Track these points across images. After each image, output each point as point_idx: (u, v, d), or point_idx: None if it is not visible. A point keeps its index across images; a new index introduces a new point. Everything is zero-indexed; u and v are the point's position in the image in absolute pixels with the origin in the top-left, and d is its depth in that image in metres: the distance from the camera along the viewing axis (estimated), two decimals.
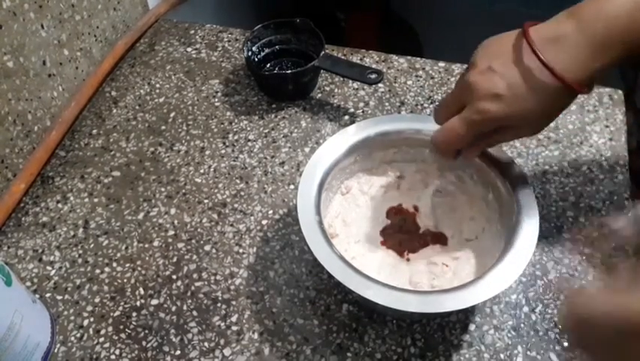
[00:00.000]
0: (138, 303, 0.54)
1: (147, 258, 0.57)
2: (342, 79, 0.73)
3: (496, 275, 0.43)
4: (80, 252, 0.58)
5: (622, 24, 0.39)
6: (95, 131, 0.70)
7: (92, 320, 0.53)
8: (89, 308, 0.54)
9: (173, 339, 0.51)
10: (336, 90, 0.73)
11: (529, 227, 0.46)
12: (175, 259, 0.57)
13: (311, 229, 0.47)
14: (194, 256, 0.57)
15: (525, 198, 0.48)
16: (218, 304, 0.54)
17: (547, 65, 0.40)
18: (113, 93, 0.75)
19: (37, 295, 0.55)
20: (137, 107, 0.73)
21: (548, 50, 0.40)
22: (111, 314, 0.53)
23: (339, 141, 0.54)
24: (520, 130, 0.45)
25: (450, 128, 0.45)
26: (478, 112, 0.43)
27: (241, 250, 0.57)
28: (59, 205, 0.62)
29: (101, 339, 0.52)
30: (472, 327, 0.51)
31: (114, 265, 0.57)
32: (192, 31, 0.83)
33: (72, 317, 0.53)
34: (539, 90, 0.41)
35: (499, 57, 0.42)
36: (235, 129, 0.69)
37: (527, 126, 0.44)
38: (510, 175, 0.50)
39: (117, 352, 0.51)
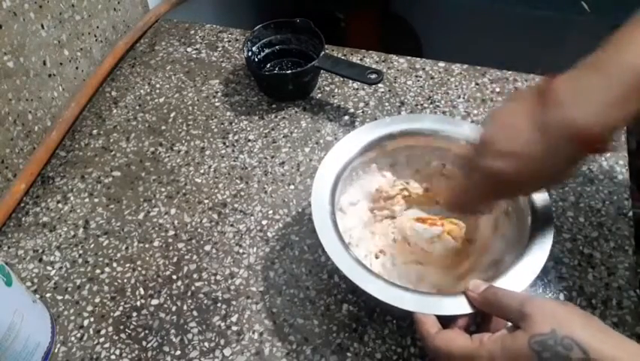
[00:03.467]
0: (138, 303, 0.54)
1: (147, 258, 0.57)
2: (342, 79, 0.73)
3: (501, 284, 0.43)
4: (80, 252, 0.58)
5: None
6: (95, 132, 0.70)
7: (92, 320, 0.53)
8: (89, 308, 0.54)
9: (174, 339, 0.51)
10: (336, 90, 0.73)
11: (543, 239, 0.45)
12: (175, 259, 0.57)
13: (321, 215, 0.48)
14: (195, 256, 0.57)
15: (541, 208, 0.48)
16: (218, 304, 0.54)
17: (567, 120, 0.37)
18: (113, 93, 0.75)
19: (38, 295, 0.55)
20: (138, 107, 0.73)
21: (568, 103, 0.37)
22: (111, 314, 0.53)
23: (365, 135, 0.54)
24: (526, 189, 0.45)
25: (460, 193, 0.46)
26: (489, 173, 0.41)
27: (241, 250, 0.57)
28: (60, 205, 0.62)
29: (101, 339, 0.52)
30: (472, 328, 0.51)
31: (114, 265, 0.57)
32: (192, 31, 0.83)
33: (72, 317, 0.53)
34: (557, 151, 0.39)
35: (519, 111, 0.40)
36: (235, 129, 0.69)
37: (533, 187, 0.44)
38: None
39: (117, 352, 0.51)
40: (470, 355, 0.38)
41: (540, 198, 0.48)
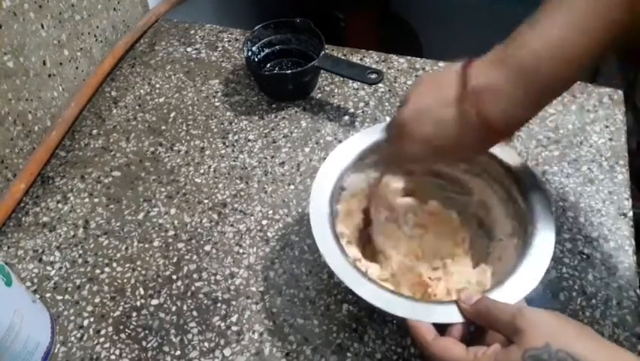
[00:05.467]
0: (138, 303, 0.54)
1: (147, 258, 0.57)
2: (342, 79, 0.73)
3: (496, 296, 0.42)
4: (80, 252, 0.58)
5: (543, 79, 0.39)
6: (95, 132, 0.70)
7: (92, 320, 0.53)
8: (89, 308, 0.54)
9: (173, 339, 0.51)
10: (336, 90, 0.73)
11: (542, 253, 0.45)
12: (175, 259, 0.57)
13: (319, 214, 0.48)
14: (194, 256, 0.57)
15: (543, 217, 0.47)
16: (218, 304, 0.54)
17: (482, 114, 0.40)
18: (113, 93, 0.75)
19: (37, 295, 0.55)
20: (137, 107, 0.73)
21: (483, 100, 0.40)
22: (111, 314, 0.53)
23: (366, 137, 0.54)
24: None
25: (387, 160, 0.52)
26: (403, 154, 0.46)
27: (241, 250, 0.57)
28: (59, 205, 0.62)
29: (101, 339, 0.52)
30: (471, 328, 0.51)
31: (114, 265, 0.57)
32: (192, 31, 0.83)
33: (72, 317, 0.53)
34: (468, 136, 0.42)
35: (437, 99, 0.43)
36: (235, 129, 0.69)
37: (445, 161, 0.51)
38: (527, 184, 0.49)
39: (117, 352, 0.51)
40: None
41: (541, 205, 0.48)
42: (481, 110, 0.40)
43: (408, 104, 0.45)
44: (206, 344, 0.51)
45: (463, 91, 0.41)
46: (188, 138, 0.69)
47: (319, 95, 0.72)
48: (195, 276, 0.56)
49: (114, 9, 0.78)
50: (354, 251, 0.52)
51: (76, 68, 0.72)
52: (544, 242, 0.45)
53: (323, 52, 0.69)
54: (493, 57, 0.41)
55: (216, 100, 0.73)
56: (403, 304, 0.43)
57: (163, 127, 0.70)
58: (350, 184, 0.54)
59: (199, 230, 0.59)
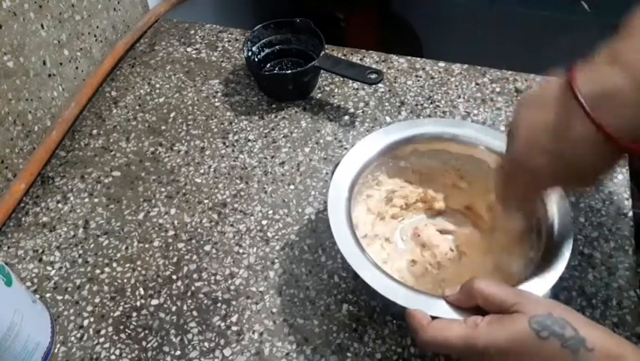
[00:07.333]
0: (138, 303, 0.54)
1: (147, 258, 0.57)
2: (342, 79, 0.73)
3: None
4: (80, 252, 0.58)
5: None
6: (95, 132, 0.70)
7: (92, 320, 0.53)
8: (89, 308, 0.54)
9: (173, 339, 0.51)
10: (336, 90, 0.73)
11: (561, 261, 0.45)
12: (175, 259, 0.57)
13: (337, 204, 0.49)
14: (194, 256, 0.57)
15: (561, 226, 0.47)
16: (218, 304, 0.54)
17: (605, 130, 0.35)
18: (113, 93, 0.75)
19: (37, 295, 0.55)
20: (137, 107, 0.73)
21: (601, 111, 0.35)
22: (111, 314, 0.53)
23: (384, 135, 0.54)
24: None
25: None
26: (522, 191, 0.44)
27: (241, 250, 0.57)
28: (59, 205, 0.62)
29: (101, 339, 0.52)
30: None
31: (114, 265, 0.57)
32: (192, 31, 0.83)
33: (72, 317, 0.53)
34: (589, 158, 0.38)
35: (545, 125, 0.39)
36: (235, 129, 0.69)
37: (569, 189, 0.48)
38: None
39: (117, 352, 0.51)
40: (469, 337, 0.38)
41: (561, 218, 0.47)
42: (599, 122, 0.35)
43: (517, 137, 0.41)
44: (206, 344, 0.51)
45: (572, 106, 0.36)
46: (188, 138, 0.69)
47: (319, 95, 0.72)
48: (195, 276, 0.56)
49: (114, 9, 0.78)
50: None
51: (76, 68, 0.72)
52: (558, 266, 0.45)
53: (323, 52, 0.69)
54: (603, 58, 0.36)
55: (216, 100, 0.73)
56: (405, 293, 0.43)
57: (163, 127, 0.70)
58: (366, 183, 0.54)
59: (199, 230, 0.59)
